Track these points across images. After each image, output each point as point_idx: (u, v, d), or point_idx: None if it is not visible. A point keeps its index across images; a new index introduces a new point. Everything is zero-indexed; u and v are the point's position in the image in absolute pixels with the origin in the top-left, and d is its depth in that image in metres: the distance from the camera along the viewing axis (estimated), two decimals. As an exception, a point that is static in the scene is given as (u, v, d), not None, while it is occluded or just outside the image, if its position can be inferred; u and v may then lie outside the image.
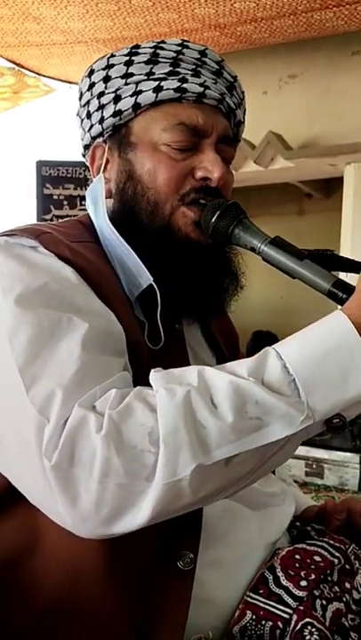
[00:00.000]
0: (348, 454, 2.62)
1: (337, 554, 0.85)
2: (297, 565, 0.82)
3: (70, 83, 4.38)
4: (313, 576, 0.80)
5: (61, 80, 4.34)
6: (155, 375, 0.67)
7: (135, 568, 0.74)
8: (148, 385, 0.68)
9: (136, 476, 0.61)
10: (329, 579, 0.82)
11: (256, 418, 0.62)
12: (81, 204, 3.93)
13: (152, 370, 0.68)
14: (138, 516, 0.62)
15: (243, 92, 0.95)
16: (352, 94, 3.78)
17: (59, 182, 3.91)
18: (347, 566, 0.86)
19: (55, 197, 3.93)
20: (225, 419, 0.62)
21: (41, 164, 3.95)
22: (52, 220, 3.80)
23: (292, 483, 1.12)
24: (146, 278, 0.82)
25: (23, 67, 4.14)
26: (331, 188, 4.44)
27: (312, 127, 3.91)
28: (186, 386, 0.64)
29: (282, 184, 4.30)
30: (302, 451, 2.72)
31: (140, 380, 0.70)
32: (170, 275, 0.83)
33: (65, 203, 3.92)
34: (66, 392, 0.64)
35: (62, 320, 0.69)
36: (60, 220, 0.93)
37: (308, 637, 0.73)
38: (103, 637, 0.72)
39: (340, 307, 0.71)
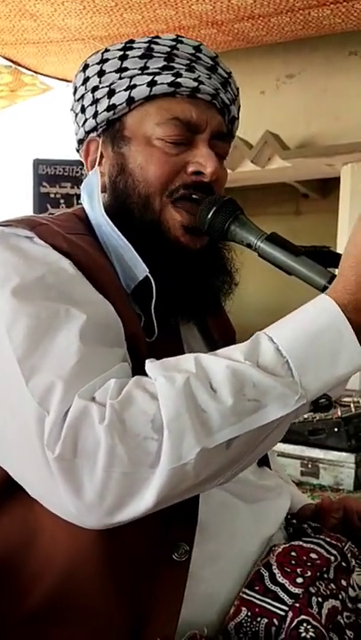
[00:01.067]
0: (344, 454, 2.62)
1: (333, 551, 0.85)
2: (293, 562, 0.81)
3: (67, 81, 4.37)
4: (309, 573, 0.79)
5: (58, 78, 4.33)
6: (151, 365, 0.68)
7: (130, 561, 0.74)
8: (145, 375, 0.68)
9: (140, 463, 0.62)
10: (325, 576, 0.81)
11: (254, 400, 0.64)
12: (78, 203, 3.92)
13: (147, 360, 0.68)
14: (142, 504, 0.62)
15: (237, 89, 0.94)
16: (349, 94, 3.79)
17: (55, 181, 3.91)
18: (343, 564, 0.85)
19: (52, 196, 3.93)
20: (225, 402, 0.63)
21: (38, 163, 3.95)
22: (48, 218, 3.79)
23: (290, 481, 1.12)
24: (142, 270, 0.82)
25: (20, 65, 4.13)
26: (328, 188, 4.44)
27: (309, 127, 3.91)
28: (185, 373, 0.65)
29: (279, 184, 4.30)
30: (298, 450, 2.73)
31: (138, 371, 0.70)
32: (162, 270, 0.83)
33: (62, 201, 3.92)
34: (66, 384, 0.64)
35: (60, 311, 0.69)
36: (55, 214, 0.93)
37: (303, 634, 0.73)
38: (98, 629, 0.72)
39: None
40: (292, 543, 0.85)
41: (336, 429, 2.68)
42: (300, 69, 3.97)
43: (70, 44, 3.88)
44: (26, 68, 4.18)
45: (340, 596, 0.80)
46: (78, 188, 3.99)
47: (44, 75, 4.31)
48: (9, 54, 4.01)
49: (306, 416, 2.90)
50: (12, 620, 0.73)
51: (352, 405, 2.91)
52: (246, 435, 0.64)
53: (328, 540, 0.87)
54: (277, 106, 3.98)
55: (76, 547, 0.72)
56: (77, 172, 3.93)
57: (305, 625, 0.74)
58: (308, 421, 2.76)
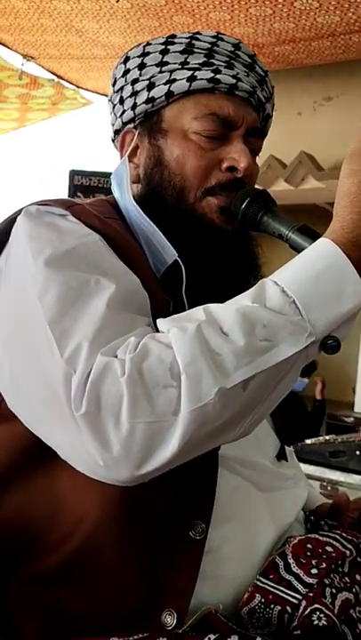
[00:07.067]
0: (365, 477, 2.58)
1: (349, 546, 0.84)
2: (308, 554, 0.81)
3: (107, 96, 4.46)
4: (324, 565, 0.79)
5: (99, 93, 4.42)
6: (162, 320, 0.70)
7: (149, 533, 0.75)
8: None
9: (163, 411, 0.63)
10: (340, 569, 0.81)
11: (265, 339, 0.65)
12: (110, 214, 3.99)
13: (158, 319, 0.71)
14: (168, 450, 0.63)
15: (272, 87, 0.97)
16: (386, 119, 3.80)
17: (90, 191, 3.98)
18: (358, 559, 0.85)
19: (86, 205, 4.00)
20: (237, 343, 0.65)
21: (74, 173, 4.02)
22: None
23: (308, 481, 1.12)
24: (171, 254, 0.84)
25: (63, 78, 4.24)
26: (360, 211, 4.43)
27: (345, 150, 3.88)
28: (195, 321, 0.67)
29: (312, 206, 4.30)
30: (318, 472, 2.69)
31: None
32: (193, 252, 0.85)
33: (95, 211, 3.99)
34: (91, 345, 0.66)
35: (90, 281, 0.71)
36: (89, 200, 0.96)
37: (316, 622, 0.73)
38: (112, 594, 0.74)
39: None
40: (309, 536, 0.85)
41: (358, 452, 2.64)
42: (339, 92, 3.99)
43: (113, 61, 3.96)
44: (68, 82, 4.28)
45: (353, 590, 0.80)
46: (112, 199, 4.06)
47: (86, 89, 4.40)
48: (53, 68, 4.12)
49: (328, 437, 2.87)
50: (26, 579, 0.75)
51: (375, 427, 2.87)
52: (261, 375, 0.65)
53: (344, 535, 0.87)
54: (314, 128, 4.00)
55: (100, 515, 0.73)
56: (110, 184, 4.00)
57: (318, 613, 0.74)
58: (330, 443, 2.73)
